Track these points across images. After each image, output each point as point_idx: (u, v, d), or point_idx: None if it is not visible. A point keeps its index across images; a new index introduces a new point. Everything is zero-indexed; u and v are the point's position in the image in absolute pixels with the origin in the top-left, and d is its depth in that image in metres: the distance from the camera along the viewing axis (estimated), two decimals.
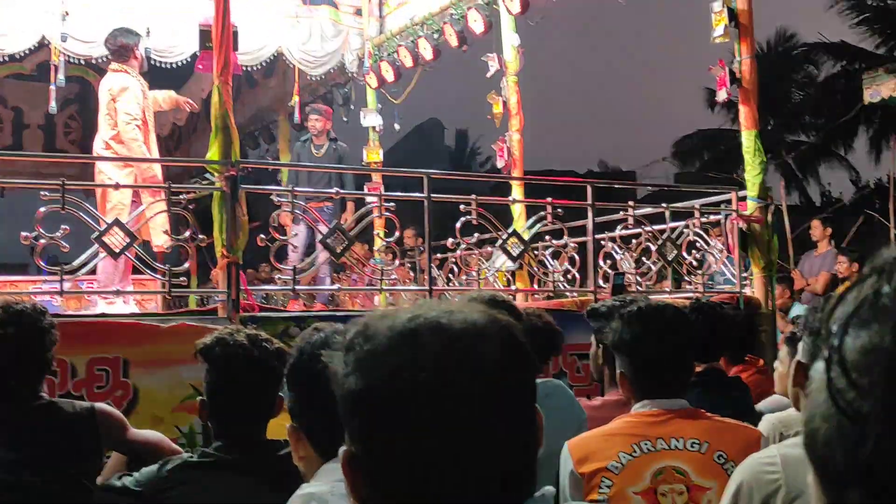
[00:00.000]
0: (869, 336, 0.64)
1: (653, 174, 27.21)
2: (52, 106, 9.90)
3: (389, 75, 11.22)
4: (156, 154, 7.59)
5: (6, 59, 10.44)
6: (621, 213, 7.57)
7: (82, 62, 10.64)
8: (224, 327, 2.92)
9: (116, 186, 6.10)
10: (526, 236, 7.36)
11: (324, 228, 6.32)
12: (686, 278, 8.04)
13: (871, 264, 0.68)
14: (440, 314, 1.06)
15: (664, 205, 7.60)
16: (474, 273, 7.42)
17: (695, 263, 7.65)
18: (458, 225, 6.80)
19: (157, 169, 7.33)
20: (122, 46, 7.42)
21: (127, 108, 7.21)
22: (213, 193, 5.78)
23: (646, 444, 2.77)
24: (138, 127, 7.21)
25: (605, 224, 8.07)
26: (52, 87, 9.68)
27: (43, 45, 10.07)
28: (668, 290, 7.77)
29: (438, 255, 11.84)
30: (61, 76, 9.57)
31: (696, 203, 7.93)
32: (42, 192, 5.42)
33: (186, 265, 5.96)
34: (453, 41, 10.07)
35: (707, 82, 20.12)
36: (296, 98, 11.59)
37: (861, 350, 0.64)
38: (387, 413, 1.01)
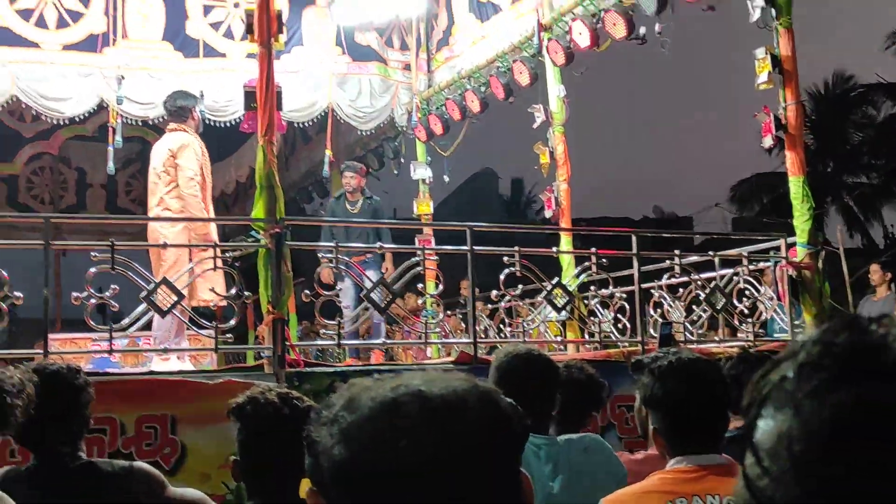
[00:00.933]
0: (776, 421, 0.64)
1: (709, 219, 26.92)
2: (111, 166, 10.20)
3: (438, 128, 11.35)
4: (211, 211, 7.70)
5: (67, 121, 10.80)
6: (667, 262, 7.51)
7: (140, 123, 10.97)
8: (256, 385, 2.96)
9: (164, 246, 6.24)
10: (573, 285, 7.34)
11: (370, 281, 6.38)
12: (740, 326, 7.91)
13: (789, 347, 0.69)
14: (422, 383, 1.07)
15: (711, 253, 7.53)
16: (524, 324, 7.39)
17: (746, 312, 7.53)
18: (501, 277, 6.82)
19: (211, 227, 7.42)
20: (180, 108, 7.64)
21: (188, 164, 7.34)
22: (258, 250, 5.88)
23: (681, 502, 2.72)
24: (198, 184, 7.37)
25: (656, 272, 8.01)
26: (110, 149, 9.96)
27: (102, 108, 10.42)
28: (717, 339, 7.64)
29: (490, 306, 11.85)
30: (119, 138, 9.87)
31: (745, 250, 7.83)
32: (93, 254, 5.58)
33: (233, 321, 6.04)
34: (500, 93, 10.18)
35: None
36: (328, 152, 11.74)
37: (770, 436, 0.64)
38: (369, 483, 1.02)
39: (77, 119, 10.82)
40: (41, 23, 10.16)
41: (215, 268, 5.89)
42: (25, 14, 10.11)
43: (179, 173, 7.34)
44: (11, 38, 10.01)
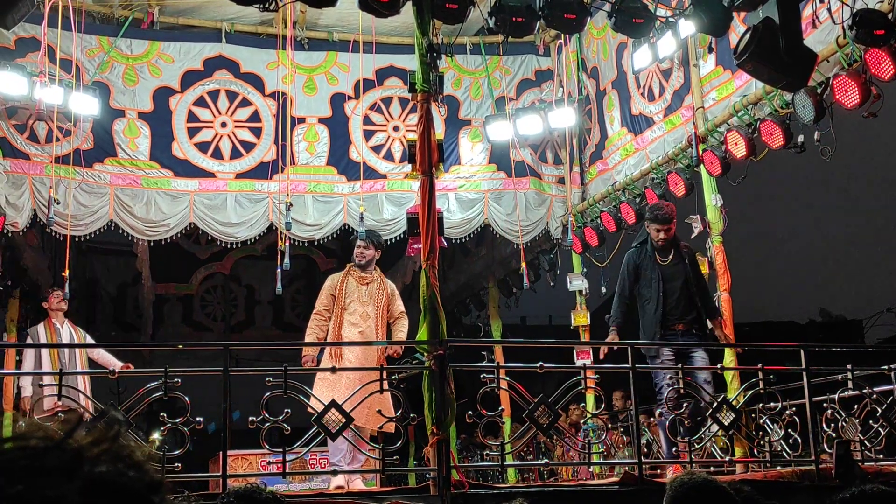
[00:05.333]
0: None
1: (881, 322, 25.59)
2: (279, 287, 10.65)
3: (593, 240, 11.41)
4: (347, 333, 7.85)
5: (239, 244, 11.42)
6: (840, 376, 7.23)
7: (306, 244, 11.49)
8: None
9: (333, 370, 6.48)
10: (740, 402, 7.13)
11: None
12: None
13: None
14: None
15: (885, 368, 7.19)
16: (691, 442, 7.19)
17: None
18: (664, 395, 6.71)
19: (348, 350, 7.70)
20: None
21: (317, 302, 7.94)
22: (422, 372, 6.02)
23: None
24: (319, 314, 7.80)
25: (828, 383, 7.71)
26: (279, 270, 10.43)
27: (271, 230, 11.00)
28: None
29: (652, 420, 11.61)
30: (287, 260, 10.32)
31: None
32: (267, 379, 5.84)
33: (399, 443, 6.18)
34: None
35: None
36: (523, 265, 11.90)
37: None
38: None
39: (248, 242, 11.44)
40: (217, 154, 10.91)
41: (381, 390, 6.05)
42: (203, 146, 10.88)
43: None
44: (191, 170, 10.78)
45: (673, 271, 7.85)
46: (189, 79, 10.99)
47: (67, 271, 9.97)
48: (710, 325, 7.98)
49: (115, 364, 8.90)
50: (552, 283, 12.64)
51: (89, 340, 9.81)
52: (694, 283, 7.84)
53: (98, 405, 6.05)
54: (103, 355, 9.34)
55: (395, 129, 11.50)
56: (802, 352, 6.90)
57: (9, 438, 0.87)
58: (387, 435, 6.96)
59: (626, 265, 8.06)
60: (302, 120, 11.25)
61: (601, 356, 7.87)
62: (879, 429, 7.08)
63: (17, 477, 0.81)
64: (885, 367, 7.24)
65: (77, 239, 10.68)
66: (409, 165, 6.68)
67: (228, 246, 11.70)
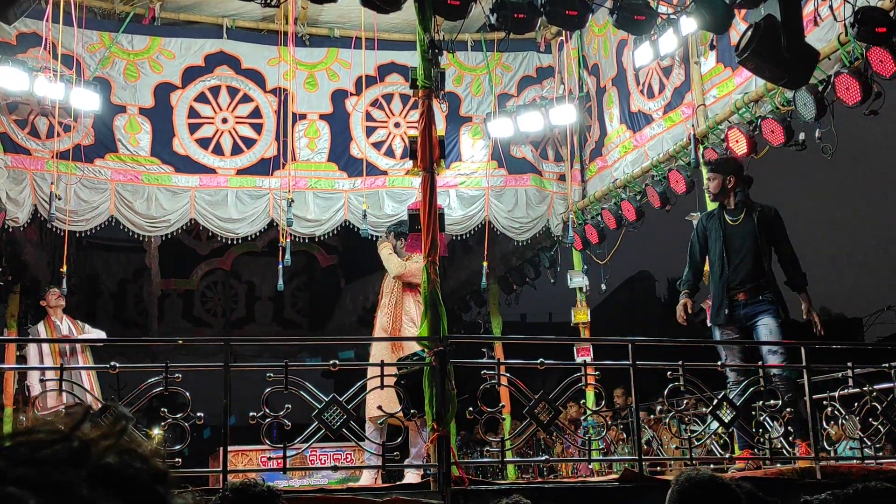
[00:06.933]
0: None
1: (881, 321, 25.58)
2: (280, 284, 10.66)
3: (593, 237, 11.42)
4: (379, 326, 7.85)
5: (239, 240, 11.43)
6: (840, 374, 7.23)
7: (307, 240, 11.50)
8: None
9: (334, 366, 6.48)
10: (740, 399, 7.12)
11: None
12: None
13: None
14: None
15: (886, 365, 7.19)
16: (690, 439, 7.19)
17: None
18: (665, 392, 6.71)
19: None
20: None
21: None
22: (423, 368, 6.02)
23: None
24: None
25: (827, 382, 7.70)
26: (280, 266, 10.44)
27: (272, 226, 11.01)
28: None
29: (652, 417, 11.63)
30: (288, 257, 10.33)
31: None
32: (268, 375, 5.84)
33: (399, 439, 6.18)
34: (656, 202, 10.17)
35: None
36: (485, 264, 11.86)
37: None
38: None
39: (249, 238, 11.45)
40: (218, 150, 10.91)
41: (382, 386, 6.05)
42: (204, 143, 10.88)
43: None
44: (191, 166, 10.78)
45: (739, 231, 7.21)
46: (190, 75, 10.99)
47: (65, 267, 9.98)
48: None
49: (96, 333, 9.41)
50: (552, 280, 12.65)
51: (89, 330, 9.82)
52: (765, 245, 7.13)
53: (101, 401, 6.06)
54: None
55: (396, 125, 11.50)
56: (803, 349, 6.90)
57: (15, 433, 0.87)
58: (387, 432, 6.97)
59: (695, 229, 7.57)
60: (303, 116, 11.25)
61: (681, 321, 7.28)
62: (879, 426, 7.08)
63: (22, 463, 0.81)
64: (886, 364, 7.24)
65: (77, 235, 10.69)
66: (410, 162, 6.68)
67: (229, 242, 11.73)
